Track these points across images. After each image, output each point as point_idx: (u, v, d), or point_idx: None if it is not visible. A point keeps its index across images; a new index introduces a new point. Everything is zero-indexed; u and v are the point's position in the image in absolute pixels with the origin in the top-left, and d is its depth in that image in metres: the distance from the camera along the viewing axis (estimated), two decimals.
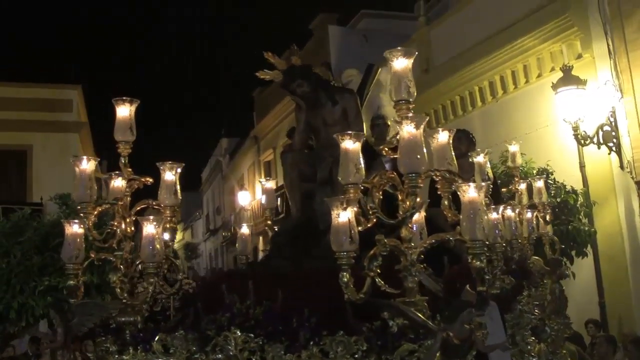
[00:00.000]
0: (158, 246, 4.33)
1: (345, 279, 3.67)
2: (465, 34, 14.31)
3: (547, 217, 7.76)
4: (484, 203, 3.62)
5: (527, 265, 6.80)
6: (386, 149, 4.31)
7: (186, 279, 5.30)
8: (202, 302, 4.60)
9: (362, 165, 3.93)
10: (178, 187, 4.83)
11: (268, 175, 25.15)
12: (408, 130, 3.82)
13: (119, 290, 4.61)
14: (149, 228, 4.31)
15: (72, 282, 4.82)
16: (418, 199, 3.80)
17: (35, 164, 20.54)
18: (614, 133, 10.67)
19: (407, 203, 3.82)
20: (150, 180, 4.93)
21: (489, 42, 13.42)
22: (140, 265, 4.80)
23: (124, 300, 4.61)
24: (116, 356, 4.59)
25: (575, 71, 10.93)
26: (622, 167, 10.60)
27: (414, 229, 4.14)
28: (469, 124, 12.24)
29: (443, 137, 4.28)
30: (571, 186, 10.33)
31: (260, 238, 18.42)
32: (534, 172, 10.11)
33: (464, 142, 7.89)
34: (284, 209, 9.35)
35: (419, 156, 3.80)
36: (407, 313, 3.68)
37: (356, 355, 3.83)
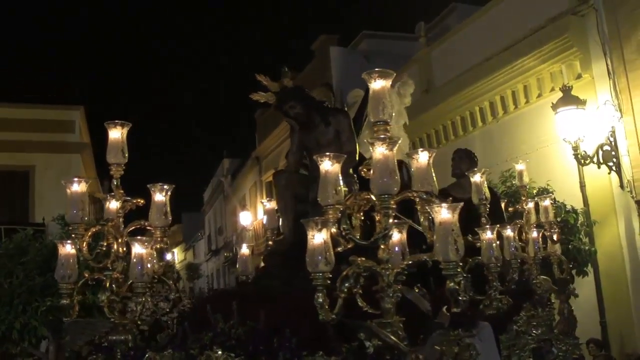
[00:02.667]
0: (148, 266, 4.33)
1: (321, 300, 3.62)
2: (465, 55, 14.35)
3: (555, 237, 7.72)
4: (457, 224, 3.57)
5: (531, 285, 6.75)
6: (365, 169, 4.30)
7: (180, 298, 5.31)
8: (191, 321, 4.60)
9: (342, 186, 3.89)
10: (168, 208, 4.85)
11: (269, 195, 25.13)
12: (381, 151, 3.79)
13: (107, 309, 4.61)
14: (138, 248, 4.32)
15: (65, 301, 4.83)
16: (390, 220, 3.75)
17: (38, 185, 20.61)
18: (613, 153, 10.67)
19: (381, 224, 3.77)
20: (142, 201, 4.95)
21: (490, 62, 13.46)
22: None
23: (112, 319, 4.61)
24: None
25: (575, 91, 10.93)
26: (622, 186, 10.58)
27: (396, 250, 4.10)
28: (470, 144, 12.24)
29: (423, 157, 4.24)
30: (571, 205, 10.29)
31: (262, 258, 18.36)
32: (534, 191, 10.10)
33: (465, 161, 7.90)
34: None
35: (391, 177, 3.76)
36: (379, 334, 3.65)
37: None
